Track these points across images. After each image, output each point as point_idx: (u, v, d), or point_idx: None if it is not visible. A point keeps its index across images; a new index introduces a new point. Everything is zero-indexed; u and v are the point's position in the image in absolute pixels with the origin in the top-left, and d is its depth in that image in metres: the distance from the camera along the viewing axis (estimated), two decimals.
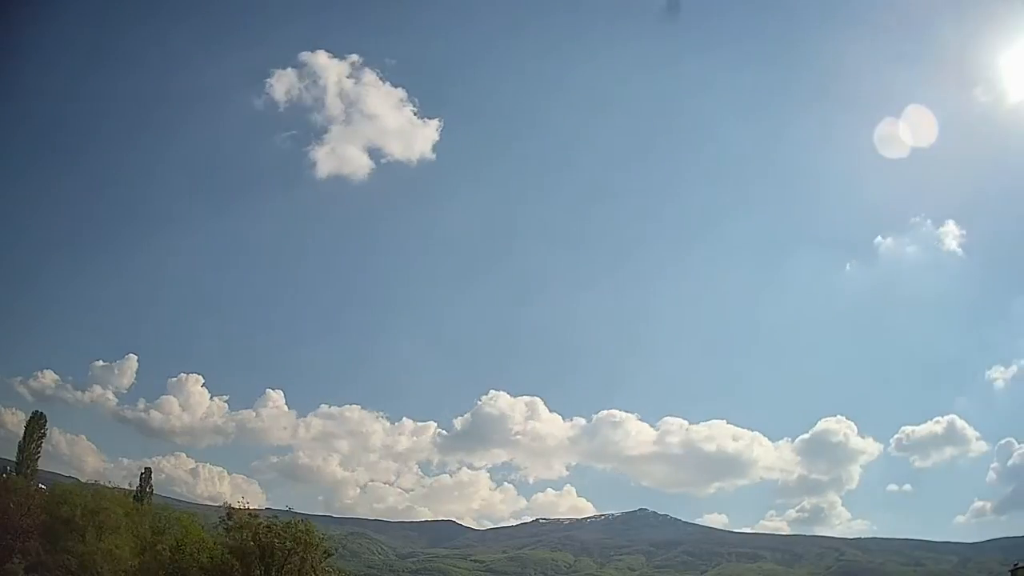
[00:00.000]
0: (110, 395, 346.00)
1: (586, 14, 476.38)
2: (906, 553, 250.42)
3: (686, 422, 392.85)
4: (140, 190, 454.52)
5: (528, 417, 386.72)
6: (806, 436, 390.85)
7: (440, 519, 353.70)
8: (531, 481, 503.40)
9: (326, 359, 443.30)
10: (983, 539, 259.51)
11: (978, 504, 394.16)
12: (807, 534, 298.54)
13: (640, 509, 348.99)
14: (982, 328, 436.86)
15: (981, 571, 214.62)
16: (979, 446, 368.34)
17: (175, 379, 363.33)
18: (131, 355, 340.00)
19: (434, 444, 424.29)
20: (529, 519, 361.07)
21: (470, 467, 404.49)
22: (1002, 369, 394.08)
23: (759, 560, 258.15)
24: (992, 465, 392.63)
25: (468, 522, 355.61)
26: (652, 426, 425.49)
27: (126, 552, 56.49)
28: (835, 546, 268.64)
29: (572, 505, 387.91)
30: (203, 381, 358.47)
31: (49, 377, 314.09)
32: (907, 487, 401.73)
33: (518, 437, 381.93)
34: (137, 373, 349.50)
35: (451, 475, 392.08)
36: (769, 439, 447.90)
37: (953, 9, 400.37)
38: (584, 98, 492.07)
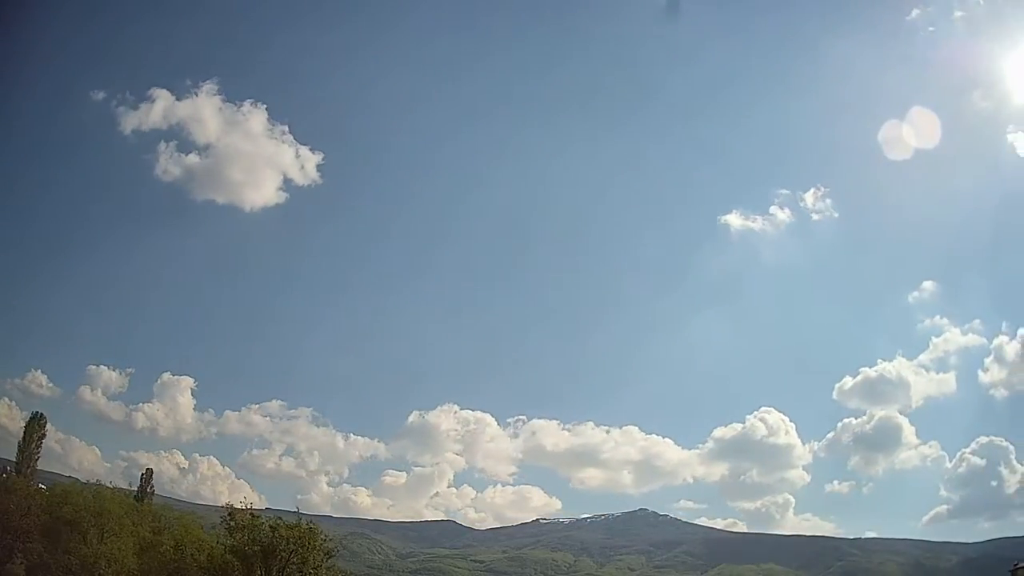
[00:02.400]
0: (99, 395, 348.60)
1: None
2: (906, 553, 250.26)
3: (604, 427, 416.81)
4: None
5: (468, 424, 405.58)
6: (724, 437, 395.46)
7: (440, 519, 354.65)
8: (483, 480, 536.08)
9: (292, 368, 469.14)
10: (983, 539, 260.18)
11: (939, 509, 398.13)
12: (807, 534, 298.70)
13: (640, 509, 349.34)
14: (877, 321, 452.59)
15: (981, 571, 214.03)
16: (927, 449, 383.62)
17: (160, 381, 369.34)
18: (119, 357, 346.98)
19: (390, 449, 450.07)
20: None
21: (425, 467, 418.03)
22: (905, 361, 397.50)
23: (759, 560, 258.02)
24: (946, 466, 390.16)
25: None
26: (571, 431, 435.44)
27: (128, 554, 56.48)
28: (835, 546, 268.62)
29: (519, 495, 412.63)
30: (190, 385, 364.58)
31: (39, 378, 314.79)
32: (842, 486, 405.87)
33: (462, 443, 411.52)
34: (124, 375, 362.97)
35: (407, 475, 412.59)
36: (680, 442, 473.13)
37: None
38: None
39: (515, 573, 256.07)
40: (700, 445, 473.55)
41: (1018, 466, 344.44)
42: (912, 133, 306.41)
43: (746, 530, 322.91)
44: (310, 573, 45.83)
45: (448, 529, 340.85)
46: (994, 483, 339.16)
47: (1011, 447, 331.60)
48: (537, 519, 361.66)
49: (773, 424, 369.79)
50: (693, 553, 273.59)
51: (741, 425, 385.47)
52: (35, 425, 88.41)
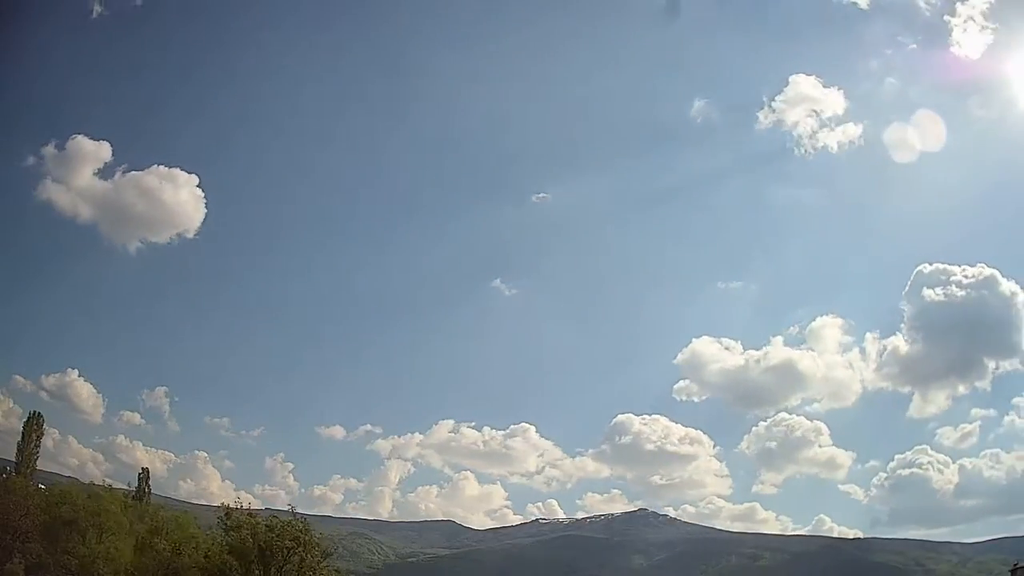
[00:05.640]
0: (90, 398, 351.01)
1: None
2: (906, 553, 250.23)
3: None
4: None
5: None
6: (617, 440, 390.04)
7: (440, 519, 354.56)
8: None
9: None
10: (983, 539, 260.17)
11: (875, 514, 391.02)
12: (807, 534, 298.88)
13: (640, 509, 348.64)
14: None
15: (981, 571, 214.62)
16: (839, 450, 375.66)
17: (144, 390, 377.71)
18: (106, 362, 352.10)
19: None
20: (528, 518, 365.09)
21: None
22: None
23: (759, 560, 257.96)
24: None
25: (461, 519, 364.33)
26: (479, 431, 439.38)
27: (126, 554, 56.60)
28: (835, 545, 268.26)
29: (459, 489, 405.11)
30: (169, 392, 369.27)
31: (24, 380, 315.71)
32: None
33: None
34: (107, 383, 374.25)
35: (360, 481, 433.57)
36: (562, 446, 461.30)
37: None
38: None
39: (515, 573, 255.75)
40: (587, 449, 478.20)
41: (953, 465, 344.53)
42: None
43: (745, 530, 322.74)
44: (308, 573, 45.86)
45: (448, 529, 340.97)
46: (922, 489, 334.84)
47: (942, 455, 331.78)
48: (537, 519, 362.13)
49: (666, 426, 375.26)
50: (693, 553, 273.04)
51: (641, 419, 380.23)
52: (33, 424, 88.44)
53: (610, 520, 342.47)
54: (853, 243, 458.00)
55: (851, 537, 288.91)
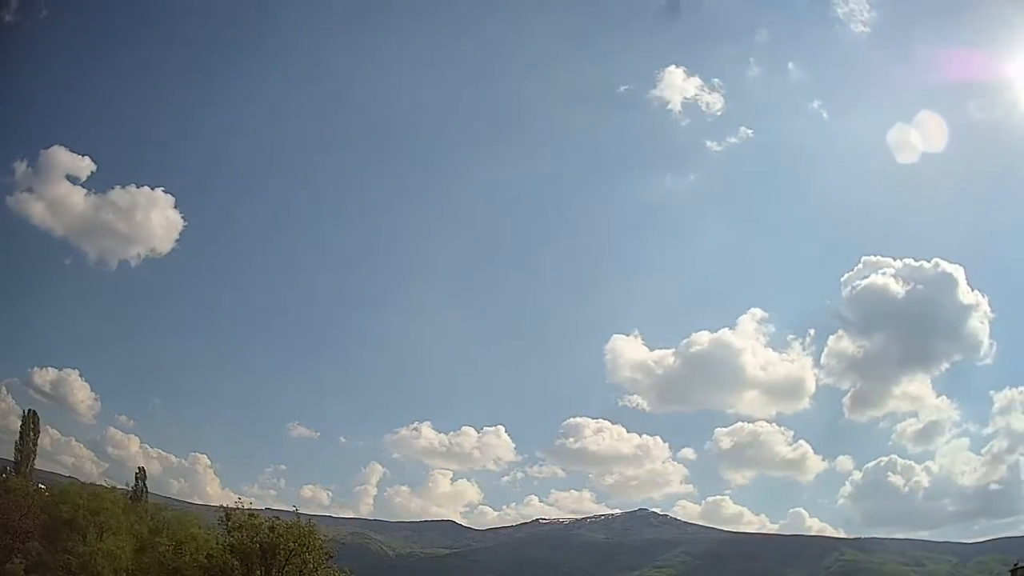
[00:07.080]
0: (84, 398, 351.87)
1: None
2: (906, 553, 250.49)
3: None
4: None
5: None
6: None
7: (440, 519, 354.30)
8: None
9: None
10: (983, 539, 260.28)
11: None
12: (808, 534, 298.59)
13: (640, 509, 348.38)
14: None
15: (981, 571, 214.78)
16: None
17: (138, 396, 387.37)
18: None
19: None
20: (529, 518, 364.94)
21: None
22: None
23: (759, 560, 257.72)
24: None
25: (459, 519, 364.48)
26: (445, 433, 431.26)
27: (127, 553, 56.41)
28: (835, 546, 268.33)
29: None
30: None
31: (29, 379, 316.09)
32: None
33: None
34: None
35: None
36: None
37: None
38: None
39: (515, 573, 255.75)
40: (541, 449, 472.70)
41: (918, 468, 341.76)
42: None
43: (745, 530, 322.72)
44: (310, 574, 45.61)
45: (448, 529, 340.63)
46: (891, 494, 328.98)
47: (907, 461, 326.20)
48: (537, 519, 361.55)
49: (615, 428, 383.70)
50: (693, 553, 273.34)
51: (597, 423, 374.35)
52: (30, 422, 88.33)
53: (610, 520, 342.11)
54: (759, 240, 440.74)
55: (852, 537, 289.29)
